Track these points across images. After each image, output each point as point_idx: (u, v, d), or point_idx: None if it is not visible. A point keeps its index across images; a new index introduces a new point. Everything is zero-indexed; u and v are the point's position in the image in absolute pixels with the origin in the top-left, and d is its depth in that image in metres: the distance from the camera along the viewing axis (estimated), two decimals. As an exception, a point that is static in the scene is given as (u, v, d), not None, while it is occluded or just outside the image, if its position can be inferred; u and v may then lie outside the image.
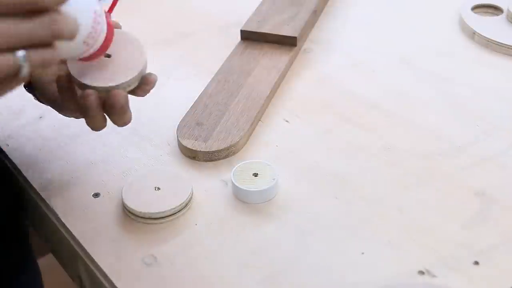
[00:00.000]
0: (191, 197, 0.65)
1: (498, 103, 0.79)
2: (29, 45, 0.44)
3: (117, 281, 0.58)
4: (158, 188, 0.65)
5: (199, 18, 1.00)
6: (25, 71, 0.45)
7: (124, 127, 0.61)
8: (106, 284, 0.59)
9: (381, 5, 1.03)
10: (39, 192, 0.69)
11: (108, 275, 0.59)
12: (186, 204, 0.64)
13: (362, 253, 0.60)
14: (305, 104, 0.80)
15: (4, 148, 0.74)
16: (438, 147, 0.72)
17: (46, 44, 0.45)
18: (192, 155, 0.72)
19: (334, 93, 0.82)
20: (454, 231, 0.62)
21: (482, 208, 0.64)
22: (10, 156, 0.74)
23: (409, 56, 0.89)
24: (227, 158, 0.72)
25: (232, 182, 0.66)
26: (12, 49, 0.44)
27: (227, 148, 0.71)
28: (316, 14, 0.97)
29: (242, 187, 0.65)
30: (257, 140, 0.75)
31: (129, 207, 0.63)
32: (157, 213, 0.63)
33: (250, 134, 0.75)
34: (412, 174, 0.69)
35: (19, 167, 0.72)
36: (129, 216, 0.64)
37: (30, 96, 0.69)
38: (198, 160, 0.71)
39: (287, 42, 0.88)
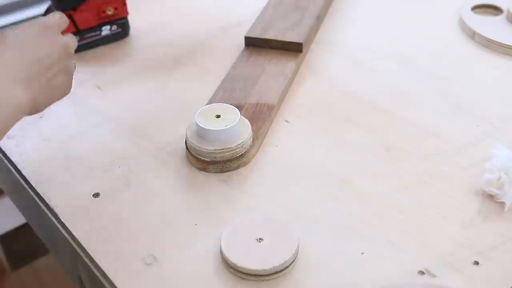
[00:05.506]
0: None
1: (498, 103, 0.79)
2: None
3: (117, 281, 0.58)
4: None
5: (199, 18, 1.00)
6: None
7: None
8: (106, 284, 0.59)
9: (381, 6, 1.03)
10: (39, 192, 0.69)
11: (108, 275, 0.59)
12: None
13: (362, 253, 0.60)
14: (305, 104, 0.80)
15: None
16: (438, 147, 0.72)
17: None
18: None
19: (334, 93, 0.82)
20: (454, 231, 0.62)
21: (482, 208, 0.64)
22: (10, 155, 0.74)
23: (409, 56, 0.89)
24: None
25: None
26: None
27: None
28: (319, 19, 0.95)
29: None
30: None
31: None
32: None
33: (259, 142, 0.74)
34: (412, 174, 0.69)
35: (19, 166, 0.72)
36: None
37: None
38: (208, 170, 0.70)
39: (293, 48, 0.87)
